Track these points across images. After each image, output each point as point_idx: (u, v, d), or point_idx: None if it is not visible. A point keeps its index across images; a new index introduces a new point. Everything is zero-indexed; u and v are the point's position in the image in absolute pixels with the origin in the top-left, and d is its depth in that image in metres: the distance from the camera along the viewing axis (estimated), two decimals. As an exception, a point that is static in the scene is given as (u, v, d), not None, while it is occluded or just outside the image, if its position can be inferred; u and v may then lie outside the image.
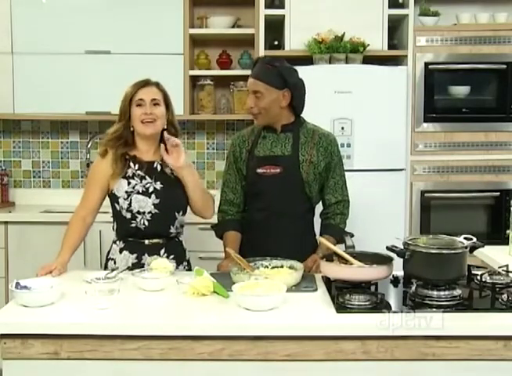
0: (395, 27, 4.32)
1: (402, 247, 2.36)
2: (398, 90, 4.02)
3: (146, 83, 2.85)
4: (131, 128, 2.84)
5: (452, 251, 2.30)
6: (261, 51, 4.15)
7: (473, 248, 2.40)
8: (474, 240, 2.40)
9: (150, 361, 2.13)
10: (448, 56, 4.14)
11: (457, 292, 2.31)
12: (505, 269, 2.61)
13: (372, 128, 4.02)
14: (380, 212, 3.99)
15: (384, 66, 4.05)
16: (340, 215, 3.02)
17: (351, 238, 2.65)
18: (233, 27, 4.45)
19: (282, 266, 2.62)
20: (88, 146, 4.68)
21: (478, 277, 2.46)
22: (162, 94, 2.87)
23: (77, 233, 2.83)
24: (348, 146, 3.98)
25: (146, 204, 2.81)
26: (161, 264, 2.62)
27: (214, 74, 4.52)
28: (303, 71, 3.93)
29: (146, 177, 2.83)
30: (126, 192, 2.80)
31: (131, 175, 2.82)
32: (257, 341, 2.11)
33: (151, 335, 2.11)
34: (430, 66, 4.12)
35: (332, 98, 3.97)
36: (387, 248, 2.37)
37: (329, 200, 3.01)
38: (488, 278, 2.48)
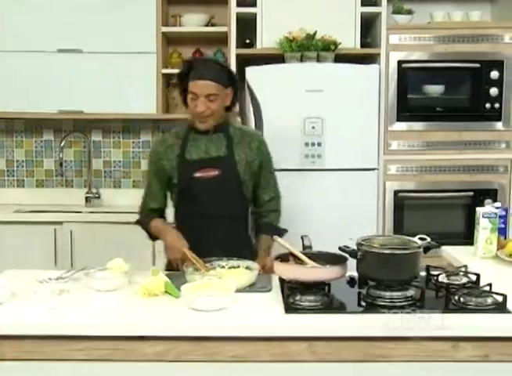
0: (369, 26, 4.32)
1: (356, 247, 2.36)
2: (370, 89, 4.00)
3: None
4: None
5: (405, 252, 2.29)
6: (232, 49, 4.14)
7: (427, 248, 2.39)
8: (429, 240, 2.40)
9: (94, 362, 2.12)
10: (422, 54, 4.13)
11: (410, 293, 2.30)
12: (463, 269, 2.61)
13: (343, 128, 4.00)
14: (352, 213, 3.98)
15: (357, 64, 4.04)
16: (275, 212, 3.05)
17: (308, 238, 2.65)
18: (207, 25, 4.44)
19: (238, 266, 2.62)
20: (61, 144, 4.66)
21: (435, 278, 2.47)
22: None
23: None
24: (319, 145, 3.96)
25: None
26: (116, 264, 2.61)
27: (187, 72, 4.50)
28: (274, 70, 3.99)
29: None
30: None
31: None
32: (203, 342, 2.11)
33: (95, 336, 2.10)
34: (403, 65, 4.10)
35: (303, 97, 3.96)
36: (340, 248, 2.36)
37: (263, 198, 3.02)
38: (446, 279, 2.47)
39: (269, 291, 2.44)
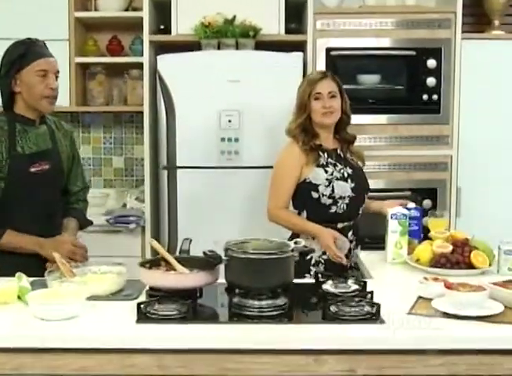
0: (296, 10, 4.29)
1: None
2: (293, 79, 3.91)
3: (322, 76, 3.25)
4: (309, 120, 3.25)
5: (273, 256, 2.29)
6: (146, 36, 4.14)
7: (302, 253, 2.39)
8: (303, 243, 2.40)
9: None
10: (353, 41, 4.13)
11: (282, 301, 2.30)
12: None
13: (263, 121, 4.00)
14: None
15: (279, 52, 4.02)
16: (83, 201, 3.21)
17: (189, 241, 2.65)
18: (127, 9, 4.44)
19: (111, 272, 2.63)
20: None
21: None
22: (337, 85, 3.26)
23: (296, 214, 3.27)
24: (236, 140, 3.96)
25: (346, 189, 3.22)
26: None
27: (104, 61, 4.53)
28: (188, 58, 3.97)
29: (337, 164, 3.26)
30: (327, 179, 3.19)
31: (324, 163, 3.23)
32: (44, 354, 2.10)
33: None
34: (332, 53, 4.10)
35: (219, 87, 3.96)
36: (203, 253, 2.35)
37: (73, 189, 3.14)
38: (333, 287, 2.47)
39: (135, 298, 2.43)
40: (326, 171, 3.21)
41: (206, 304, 2.36)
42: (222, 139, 3.97)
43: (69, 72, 4.32)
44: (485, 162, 4.25)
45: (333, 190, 3.20)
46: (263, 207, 3.93)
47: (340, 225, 3.21)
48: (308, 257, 3.16)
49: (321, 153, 3.23)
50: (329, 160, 3.24)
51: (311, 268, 3.18)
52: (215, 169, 3.98)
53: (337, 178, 3.21)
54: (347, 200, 3.22)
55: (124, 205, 4.46)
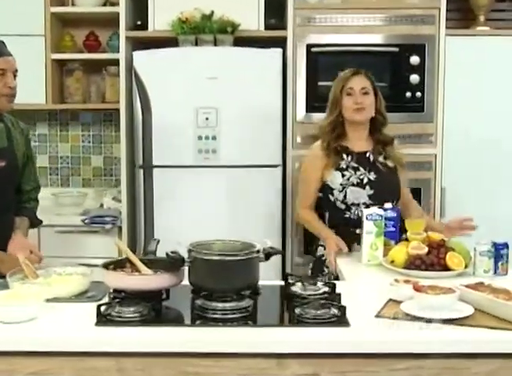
0: (278, 5, 4.28)
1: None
2: (272, 75, 3.99)
3: (355, 72, 3.28)
4: (341, 118, 3.29)
5: (236, 258, 2.28)
6: (122, 31, 4.13)
7: (268, 255, 2.39)
8: (269, 244, 2.39)
9: None
10: (334, 37, 4.12)
11: (247, 303, 2.30)
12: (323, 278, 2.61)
13: (241, 119, 4.00)
14: (252, 214, 3.97)
15: (257, 48, 4.01)
16: (34, 200, 3.27)
17: (156, 242, 2.65)
18: (105, 4, 4.45)
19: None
20: None
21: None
22: (370, 82, 3.29)
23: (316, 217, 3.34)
24: (214, 138, 3.95)
25: (360, 196, 3.23)
26: None
27: (80, 57, 4.53)
28: (165, 55, 3.97)
29: (360, 168, 3.26)
30: (341, 184, 3.23)
31: (344, 167, 3.25)
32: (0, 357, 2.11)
33: None
34: (313, 49, 4.09)
35: (196, 84, 3.96)
36: (166, 254, 2.35)
37: (25, 187, 3.21)
38: (302, 289, 2.47)
39: (99, 300, 2.43)
40: (343, 176, 3.24)
41: (172, 306, 2.36)
42: (199, 138, 3.96)
43: (45, 69, 4.34)
44: (470, 161, 4.24)
45: (345, 196, 3.24)
46: (240, 206, 3.96)
47: (358, 231, 3.15)
48: (324, 258, 3.24)
49: (344, 156, 3.26)
50: (352, 163, 3.26)
51: (325, 269, 3.24)
52: (192, 168, 3.98)
53: (353, 184, 3.24)
54: (362, 207, 3.19)
55: (102, 205, 4.45)
